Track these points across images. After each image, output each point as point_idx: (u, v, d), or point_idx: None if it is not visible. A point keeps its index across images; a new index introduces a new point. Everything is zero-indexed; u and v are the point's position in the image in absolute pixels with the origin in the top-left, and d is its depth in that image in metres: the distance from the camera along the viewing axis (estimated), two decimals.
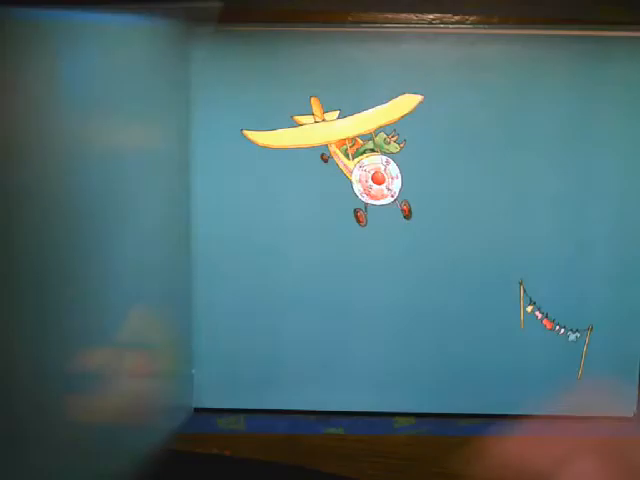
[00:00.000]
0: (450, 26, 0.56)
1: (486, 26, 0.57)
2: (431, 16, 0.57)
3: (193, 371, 0.60)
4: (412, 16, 0.57)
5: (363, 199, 0.58)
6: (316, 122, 0.57)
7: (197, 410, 0.60)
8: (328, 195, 0.58)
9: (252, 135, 0.57)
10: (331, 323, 0.60)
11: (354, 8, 0.57)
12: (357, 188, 0.58)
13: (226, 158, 0.58)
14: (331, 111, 0.57)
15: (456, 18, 0.57)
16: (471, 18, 0.57)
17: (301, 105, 0.57)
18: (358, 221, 0.59)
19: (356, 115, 0.57)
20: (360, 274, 0.59)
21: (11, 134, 0.40)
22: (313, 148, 0.58)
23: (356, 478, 0.60)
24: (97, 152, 0.49)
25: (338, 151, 0.58)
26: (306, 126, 0.57)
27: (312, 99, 0.57)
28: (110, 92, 0.49)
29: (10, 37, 0.39)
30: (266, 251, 0.59)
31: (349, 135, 0.58)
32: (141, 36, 0.53)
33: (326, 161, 0.58)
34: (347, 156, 0.58)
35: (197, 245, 0.59)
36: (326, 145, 0.58)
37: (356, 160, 0.58)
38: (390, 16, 0.57)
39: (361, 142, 0.58)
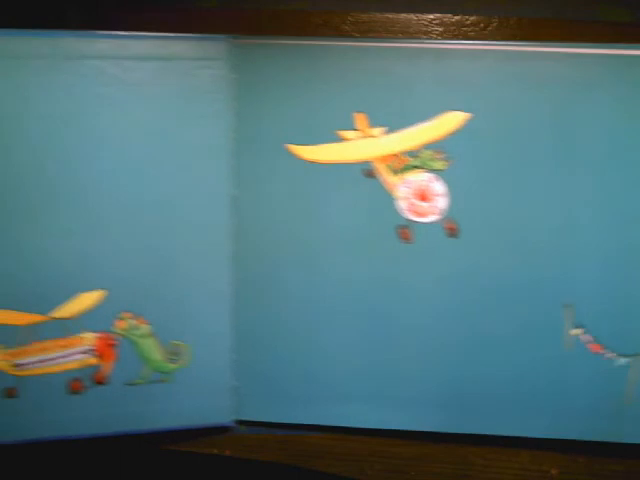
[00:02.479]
0: (498, 43, 0.55)
1: (535, 43, 0.55)
2: (431, 16, 0.56)
3: (235, 383, 0.60)
4: (412, 16, 0.56)
5: (407, 216, 0.58)
6: (361, 138, 0.57)
7: (238, 422, 0.61)
8: (371, 211, 0.58)
9: (297, 149, 0.57)
10: (373, 340, 0.59)
11: (354, 8, 0.56)
12: (401, 205, 0.58)
13: (269, 172, 0.57)
14: (377, 127, 0.57)
15: (456, 18, 0.56)
16: (471, 18, 0.56)
17: (346, 120, 0.56)
18: (401, 238, 0.58)
19: (402, 131, 0.57)
20: (402, 292, 0.59)
21: None
22: (357, 164, 0.57)
23: (356, 478, 0.60)
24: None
25: (383, 167, 0.57)
26: (351, 141, 0.57)
27: (358, 114, 0.56)
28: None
29: None
30: (309, 266, 0.58)
31: (394, 151, 0.57)
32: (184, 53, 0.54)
33: (370, 177, 0.57)
34: (392, 172, 0.57)
35: (240, 259, 0.58)
36: (371, 161, 0.57)
37: (401, 176, 0.57)
38: (390, 16, 0.56)
39: (406, 159, 0.57)
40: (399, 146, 0.57)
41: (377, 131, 0.57)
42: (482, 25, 0.58)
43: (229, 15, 0.57)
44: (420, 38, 0.58)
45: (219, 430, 0.60)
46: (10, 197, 0.55)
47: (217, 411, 0.60)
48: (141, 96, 0.56)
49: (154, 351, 0.58)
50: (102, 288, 0.57)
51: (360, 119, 0.56)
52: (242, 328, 0.59)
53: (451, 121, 0.56)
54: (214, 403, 0.60)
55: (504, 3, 0.57)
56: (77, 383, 0.58)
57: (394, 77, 0.56)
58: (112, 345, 0.58)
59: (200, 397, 0.59)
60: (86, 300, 0.57)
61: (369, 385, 0.60)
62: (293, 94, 0.56)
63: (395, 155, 0.57)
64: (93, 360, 0.58)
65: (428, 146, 0.57)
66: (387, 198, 0.58)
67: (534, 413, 0.59)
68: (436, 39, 0.59)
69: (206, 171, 0.57)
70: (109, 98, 0.55)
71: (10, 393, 0.57)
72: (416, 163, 0.57)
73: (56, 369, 0.58)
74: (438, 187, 0.57)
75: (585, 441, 0.59)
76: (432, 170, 0.57)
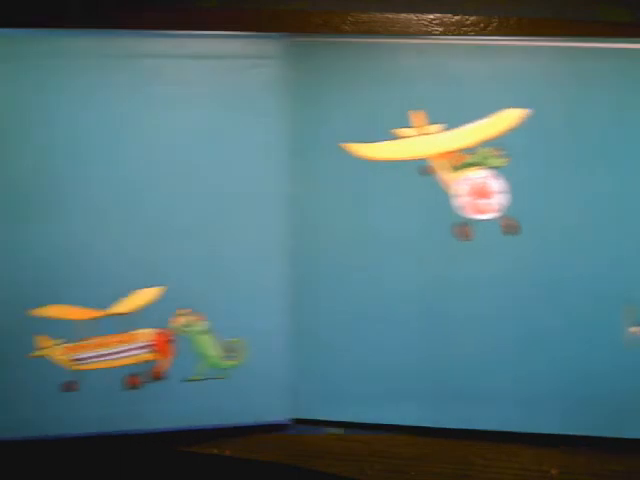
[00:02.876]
0: (554, 39, 0.55)
1: (591, 39, 0.55)
2: (431, 16, 0.56)
3: (289, 381, 0.60)
4: (412, 16, 0.57)
5: (464, 214, 0.58)
6: (418, 135, 0.57)
7: (297, 421, 0.61)
8: (428, 209, 0.58)
9: (353, 148, 0.57)
10: (430, 338, 0.59)
11: (354, 8, 0.57)
12: (458, 202, 0.57)
13: (326, 171, 0.58)
14: (434, 124, 0.57)
15: (456, 18, 0.56)
16: (471, 18, 0.56)
17: (403, 118, 0.57)
18: (459, 236, 0.58)
19: (460, 128, 0.57)
20: (459, 289, 0.58)
21: None
22: (414, 161, 0.57)
23: (356, 478, 0.59)
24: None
25: (440, 165, 0.57)
26: (408, 139, 0.57)
27: (415, 112, 0.56)
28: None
29: None
30: (365, 264, 0.58)
31: (452, 148, 0.57)
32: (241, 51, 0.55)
33: (427, 174, 0.57)
34: (449, 170, 0.57)
35: (296, 257, 0.59)
36: (428, 159, 0.57)
37: (458, 174, 0.57)
38: (390, 16, 0.56)
39: (464, 156, 0.57)
40: (457, 143, 0.57)
41: (435, 128, 0.57)
42: (482, 25, 0.58)
43: (229, 15, 0.57)
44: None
45: (275, 428, 0.60)
46: (76, 195, 0.56)
47: (273, 409, 0.60)
48: (198, 95, 0.56)
49: (211, 348, 0.59)
50: (160, 285, 0.58)
51: (417, 116, 0.57)
52: (299, 326, 0.59)
53: (509, 118, 0.56)
54: (270, 401, 0.60)
55: (504, 3, 0.57)
56: (135, 378, 0.58)
57: (452, 74, 0.56)
58: (170, 341, 0.58)
59: (256, 395, 0.59)
60: (145, 296, 0.58)
61: (426, 383, 0.59)
62: (350, 92, 0.57)
63: (453, 152, 0.57)
64: (151, 356, 0.58)
65: (486, 143, 0.57)
66: (444, 196, 0.58)
67: (596, 411, 0.58)
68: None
69: (262, 170, 0.57)
70: (166, 97, 0.56)
71: (70, 387, 0.58)
72: (474, 160, 0.57)
73: (114, 364, 0.58)
74: (496, 184, 0.57)
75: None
76: (490, 167, 0.57)
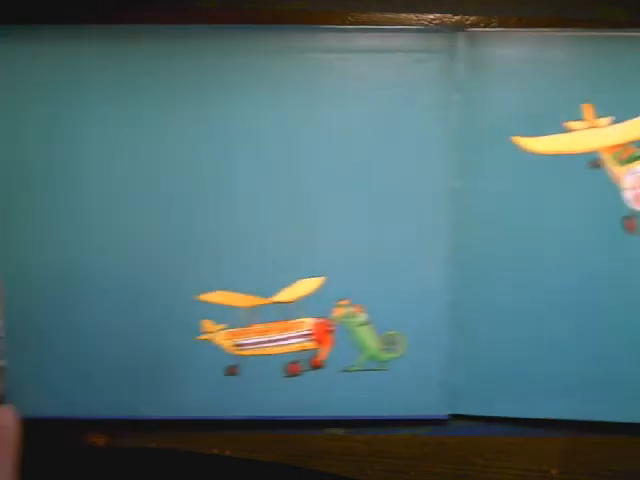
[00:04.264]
0: None
1: None
2: (431, 16, 0.56)
3: (448, 376, 0.59)
4: (412, 16, 0.56)
5: (634, 207, 0.57)
6: (588, 128, 0.57)
7: (452, 417, 0.60)
8: (597, 203, 0.57)
9: (522, 141, 0.57)
10: (589, 333, 0.58)
11: (354, 8, 0.57)
12: (627, 195, 0.57)
13: (492, 165, 0.58)
14: (603, 117, 0.57)
15: (456, 18, 0.56)
16: (471, 18, 0.56)
17: (572, 111, 0.57)
18: (627, 229, 0.57)
19: (629, 121, 0.56)
20: (624, 284, 0.57)
21: None
22: (582, 154, 0.57)
23: (356, 478, 0.58)
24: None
25: (609, 157, 0.57)
26: (577, 132, 0.57)
27: (584, 105, 0.56)
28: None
29: None
30: (530, 259, 0.58)
31: (621, 141, 0.56)
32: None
33: (596, 168, 0.57)
34: (618, 163, 0.57)
35: (458, 252, 0.58)
36: (597, 151, 0.57)
37: (627, 167, 0.57)
38: (390, 16, 0.56)
39: (633, 149, 0.56)
40: (626, 136, 0.56)
41: (604, 121, 0.57)
42: (482, 25, 0.58)
43: (229, 15, 0.57)
44: None
45: (433, 422, 0.59)
46: (242, 185, 0.58)
47: (431, 404, 0.59)
48: (364, 89, 0.57)
49: (370, 339, 0.59)
50: (322, 275, 0.58)
51: (587, 109, 0.56)
52: (459, 321, 0.59)
53: None
54: (428, 395, 0.59)
55: (504, 3, 0.57)
56: (295, 366, 0.59)
57: (621, 66, 0.56)
58: (329, 331, 0.59)
59: (414, 388, 0.59)
60: (306, 286, 0.59)
61: (587, 378, 0.58)
62: (518, 85, 0.57)
63: (621, 145, 0.57)
64: (310, 345, 0.59)
65: None
66: (613, 189, 0.57)
67: None
68: None
69: (427, 163, 0.58)
70: (334, 91, 0.57)
71: (232, 371, 0.59)
72: None
73: (275, 351, 0.59)
74: None
75: None
76: None
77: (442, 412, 0.59)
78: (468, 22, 0.58)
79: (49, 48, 0.57)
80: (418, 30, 0.57)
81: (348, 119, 0.57)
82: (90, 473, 0.60)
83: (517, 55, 0.57)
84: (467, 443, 0.59)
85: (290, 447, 0.60)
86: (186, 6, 0.57)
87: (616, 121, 0.56)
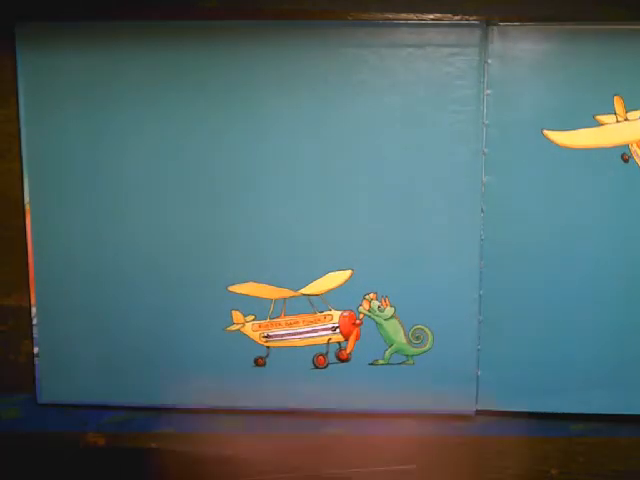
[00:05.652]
0: None
1: None
2: (431, 16, 0.55)
3: (478, 373, 0.59)
4: (412, 16, 0.56)
5: None
6: (618, 121, 0.56)
7: (479, 412, 0.59)
8: (628, 196, 0.56)
9: (552, 135, 0.57)
10: (621, 328, 0.57)
11: (354, 8, 0.56)
12: None
13: (523, 159, 0.57)
14: (634, 110, 0.56)
15: (456, 18, 0.55)
16: (471, 18, 0.55)
17: (604, 104, 0.56)
18: None
19: None
20: None
21: None
22: (613, 148, 0.56)
23: (356, 478, 0.58)
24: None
25: (638, 152, 0.56)
26: (608, 125, 0.56)
27: (615, 98, 0.56)
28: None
29: None
30: (560, 253, 0.57)
31: None
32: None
33: (627, 161, 0.56)
34: None
35: (488, 247, 0.58)
36: (627, 145, 0.56)
37: None
38: (390, 16, 0.55)
39: None
40: None
41: (634, 114, 0.56)
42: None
43: (229, 15, 0.57)
44: None
45: (458, 418, 0.59)
46: (280, 179, 0.59)
47: (458, 399, 0.59)
48: (396, 83, 0.57)
49: (397, 334, 0.59)
50: (351, 269, 0.59)
51: (618, 102, 0.56)
52: (487, 317, 0.58)
53: None
54: (456, 390, 0.59)
55: (504, 3, 0.56)
56: (321, 358, 0.59)
57: None
58: (357, 324, 0.59)
59: (442, 383, 0.59)
60: (334, 279, 0.59)
61: (619, 372, 0.57)
62: (549, 79, 0.56)
63: None
64: (337, 337, 0.59)
65: None
66: None
67: None
68: None
69: (458, 157, 0.57)
70: (366, 85, 0.57)
71: (259, 362, 0.60)
72: None
73: (302, 343, 0.60)
74: None
75: None
76: None
77: (470, 408, 0.59)
78: (469, 21, 0.58)
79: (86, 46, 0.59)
80: (448, 25, 0.57)
81: (380, 113, 0.58)
82: (90, 473, 0.62)
83: (548, 50, 0.56)
84: (467, 443, 0.59)
85: (290, 447, 0.61)
86: (186, 6, 0.58)
87: None
